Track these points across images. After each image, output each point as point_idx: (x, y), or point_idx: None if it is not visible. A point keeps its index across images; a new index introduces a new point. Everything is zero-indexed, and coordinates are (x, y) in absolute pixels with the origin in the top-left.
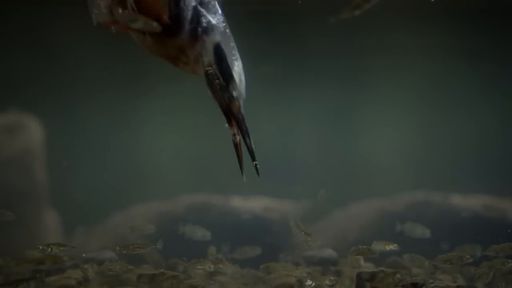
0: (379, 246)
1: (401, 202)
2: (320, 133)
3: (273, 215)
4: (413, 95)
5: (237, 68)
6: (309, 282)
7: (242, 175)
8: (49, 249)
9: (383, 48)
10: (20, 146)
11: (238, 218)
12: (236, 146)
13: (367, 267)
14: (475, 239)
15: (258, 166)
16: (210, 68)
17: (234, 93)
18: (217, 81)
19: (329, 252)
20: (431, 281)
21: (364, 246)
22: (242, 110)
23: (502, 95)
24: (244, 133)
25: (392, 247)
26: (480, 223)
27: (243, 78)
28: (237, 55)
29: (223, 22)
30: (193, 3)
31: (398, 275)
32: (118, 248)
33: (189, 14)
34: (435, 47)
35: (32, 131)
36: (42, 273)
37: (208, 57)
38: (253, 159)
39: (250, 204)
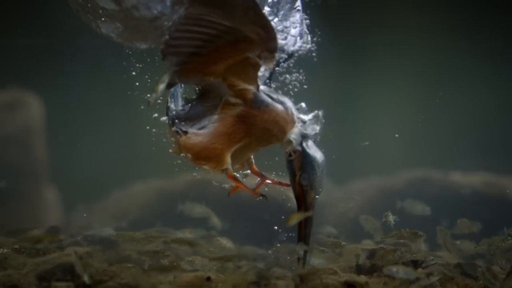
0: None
1: (401, 179)
2: (318, 109)
3: (274, 192)
4: (413, 71)
5: (320, 161)
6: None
7: (304, 264)
8: None
9: (383, 24)
10: (20, 123)
11: (238, 195)
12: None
13: (367, 244)
14: (475, 216)
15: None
16: (293, 154)
17: (313, 185)
18: (298, 170)
19: (328, 230)
20: (432, 258)
21: (407, 229)
22: (315, 203)
23: (503, 72)
24: (309, 223)
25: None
26: (480, 200)
27: (324, 171)
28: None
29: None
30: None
31: (398, 252)
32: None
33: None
34: (435, 23)
35: (32, 108)
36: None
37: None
38: (306, 251)
39: (251, 181)
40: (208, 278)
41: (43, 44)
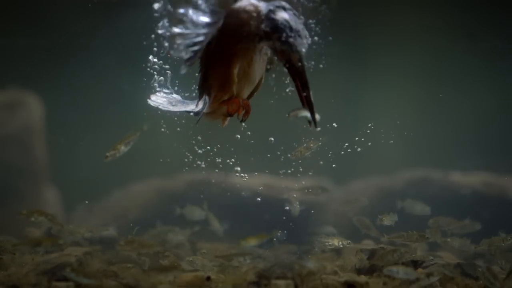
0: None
1: (401, 179)
2: (318, 109)
3: (272, 192)
4: (414, 72)
5: (291, 23)
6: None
7: (316, 126)
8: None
9: (384, 24)
10: (20, 123)
11: (238, 195)
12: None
13: (367, 244)
14: (475, 216)
15: (317, 118)
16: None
17: (293, 47)
18: (275, 34)
19: (328, 230)
20: (431, 258)
21: (415, 232)
22: (303, 61)
23: (503, 72)
24: (304, 85)
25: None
26: (480, 200)
27: (302, 33)
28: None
29: None
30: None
31: (398, 253)
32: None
33: None
34: (435, 23)
35: (32, 108)
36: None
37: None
38: (312, 111)
39: (252, 181)
40: (208, 278)
41: (43, 44)
